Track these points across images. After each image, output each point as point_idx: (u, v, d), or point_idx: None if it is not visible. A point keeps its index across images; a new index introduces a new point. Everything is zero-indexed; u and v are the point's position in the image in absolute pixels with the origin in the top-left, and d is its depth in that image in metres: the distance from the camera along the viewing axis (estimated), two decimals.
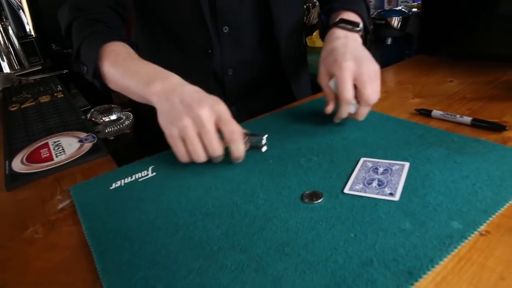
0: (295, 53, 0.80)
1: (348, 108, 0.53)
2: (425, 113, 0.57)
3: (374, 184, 0.41)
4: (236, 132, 0.46)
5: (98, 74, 0.55)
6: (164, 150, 0.56)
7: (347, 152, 0.49)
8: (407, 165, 0.44)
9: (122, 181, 0.49)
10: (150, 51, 0.71)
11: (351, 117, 0.55)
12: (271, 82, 0.80)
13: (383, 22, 1.02)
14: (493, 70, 0.74)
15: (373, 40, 1.11)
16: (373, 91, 0.52)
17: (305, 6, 1.88)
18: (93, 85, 0.58)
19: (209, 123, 0.45)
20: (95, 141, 0.63)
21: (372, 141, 0.51)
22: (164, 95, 0.47)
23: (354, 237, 0.34)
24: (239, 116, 0.54)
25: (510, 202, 0.36)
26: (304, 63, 0.87)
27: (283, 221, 0.37)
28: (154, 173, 0.50)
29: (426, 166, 0.43)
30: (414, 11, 1.06)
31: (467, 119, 0.53)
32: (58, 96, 0.98)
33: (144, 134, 0.86)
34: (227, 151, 0.48)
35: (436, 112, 0.56)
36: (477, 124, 0.52)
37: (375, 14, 1.07)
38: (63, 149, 0.61)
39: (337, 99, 0.54)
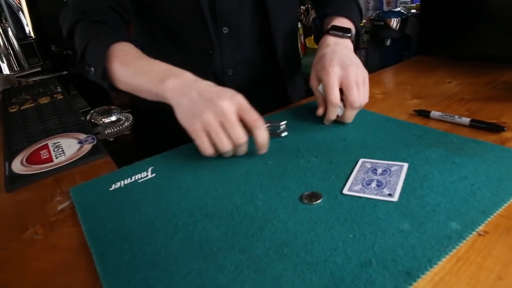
0: (291, 55, 0.82)
1: (335, 111, 0.55)
2: (424, 114, 0.58)
3: (373, 185, 0.41)
4: (259, 119, 0.47)
5: (106, 74, 0.56)
6: (163, 151, 0.56)
7: (346, 153, 0.49)
8: (405, 165, 0.44)
9: (122, 182, 0.49)
10: (149, 51, 0.71)
11: (339, 120, 0.57)
12: (269, 82, 0.81)
13: (382, 23, 1.03)
14: (492, 71, 0.74)
15: (372, 41, 1.12)
16: (359, 95, 0.54)
17: (304, 7, 1.89)
18: (93, 86, 0.59)
19: (232, 113, 0.46)
20: (94, 142, 0.63)
21: (371, 142, 0.51)
22: (180, 90, 0.48)
23: (353, 237, 0.34)
24: None
25: (508, 202, 0.36)
26: (298, 65, 0.89)
27: (282, 221, 0.38)
28: (154, 174, 0.51)
29: (425, 167, 0.43)
30: (413, 12, 1.07)
31: (466, 120, 0.53)
32: (58, 98, 0.98)
33: (143, 135, 0.86)
34: (250, 140, 0.48)
35: (434, 113, 0.56)
36: (475, 125, 0.52)
37: (374, 15, 1.08)
38: (62, 151, 0.61)
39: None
